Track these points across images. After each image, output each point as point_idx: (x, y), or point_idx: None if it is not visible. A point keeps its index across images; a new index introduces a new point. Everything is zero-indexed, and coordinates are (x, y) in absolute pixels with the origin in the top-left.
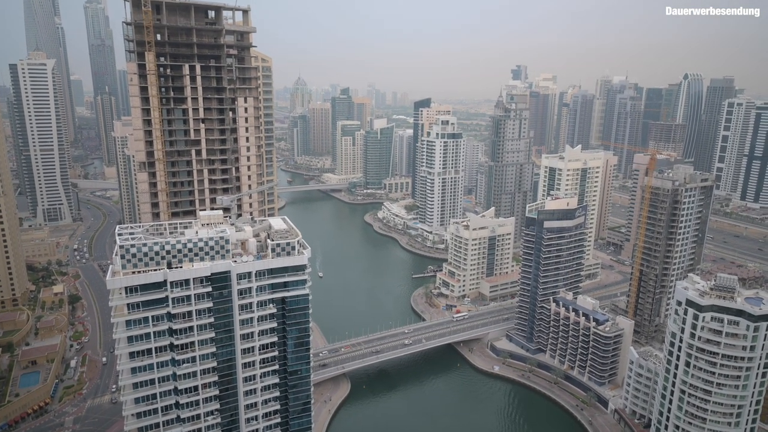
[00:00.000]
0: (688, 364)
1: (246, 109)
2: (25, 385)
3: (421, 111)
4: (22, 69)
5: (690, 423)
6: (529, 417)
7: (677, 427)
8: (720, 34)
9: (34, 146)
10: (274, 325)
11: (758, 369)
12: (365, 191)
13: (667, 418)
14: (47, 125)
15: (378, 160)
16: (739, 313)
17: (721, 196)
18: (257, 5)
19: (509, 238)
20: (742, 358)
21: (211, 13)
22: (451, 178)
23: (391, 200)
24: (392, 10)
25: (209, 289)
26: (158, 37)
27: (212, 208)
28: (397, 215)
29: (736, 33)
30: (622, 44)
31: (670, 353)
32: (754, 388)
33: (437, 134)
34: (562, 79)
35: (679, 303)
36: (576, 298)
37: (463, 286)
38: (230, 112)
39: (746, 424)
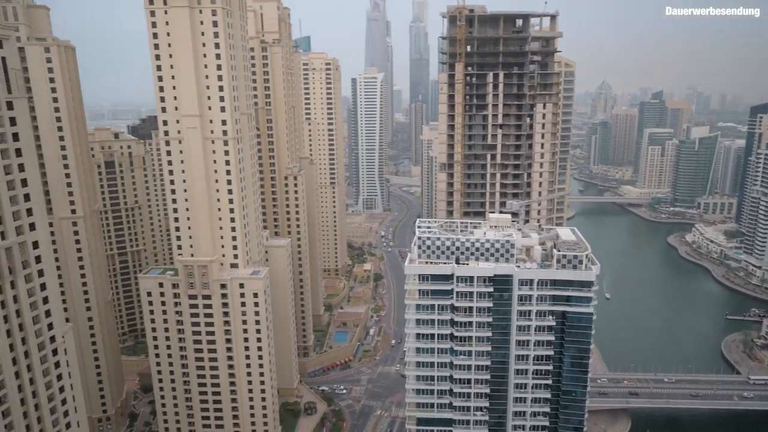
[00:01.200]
0: None
1: (544, 115)
2: (337, 341)
3: (760, 117)
4: (359, 82)
5: None
6: None
7: None
8: None
9: (362, 146)
10: (552, 338)
11: None
12: (671, 209)
13: None
14: (372, 129)
15: (692, 174)
16: None
17: None
18: (565, 9)
19: None
20: None
21: (519, 22)
22: None
23: (706, 222)
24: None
25: (491, 289)
26: (468, 48)
27: (501, 212)
28: (712, 241)
29: None
30: None
31: None
32: None
33: None
34: None
35: None
36: None
37: None
38: (528, 118)
39: None
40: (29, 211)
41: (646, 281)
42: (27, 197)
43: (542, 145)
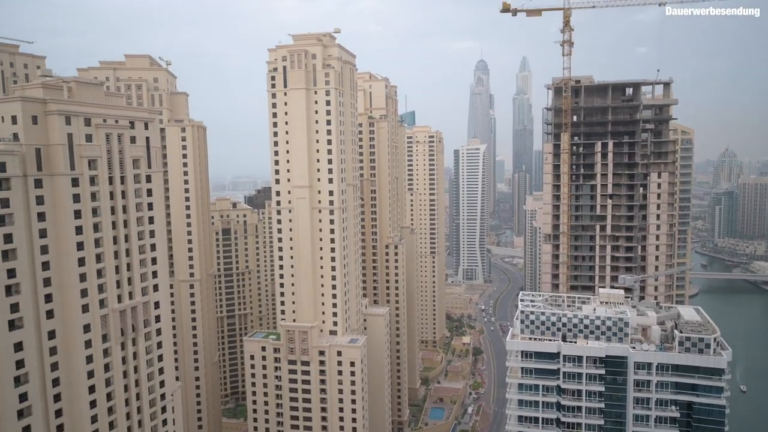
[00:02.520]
0: None
1: (659, 185)
2: (433, 418)
3: None
4: (462, 153)
5: None
6: None
7: None
8: None
9: (463, 216)
10: (676, 431)
11: None
12: None
13: None
14: (474, 199)
15: None
16: None
17: None
18: (680, 74)
19: None
20: None
21: (629, 91)
22: None
23: None
24: None
25: (602, 371)
26: (574, 118)
27: (613, 287)
28: None
29: None
30: None
31: None
32: None
33: None
34: None
35: None
36: None
37: None
38: (641, 188)
39: None
40: (154, 274)
41: None
42: (154, 261)
43: (658, 216)
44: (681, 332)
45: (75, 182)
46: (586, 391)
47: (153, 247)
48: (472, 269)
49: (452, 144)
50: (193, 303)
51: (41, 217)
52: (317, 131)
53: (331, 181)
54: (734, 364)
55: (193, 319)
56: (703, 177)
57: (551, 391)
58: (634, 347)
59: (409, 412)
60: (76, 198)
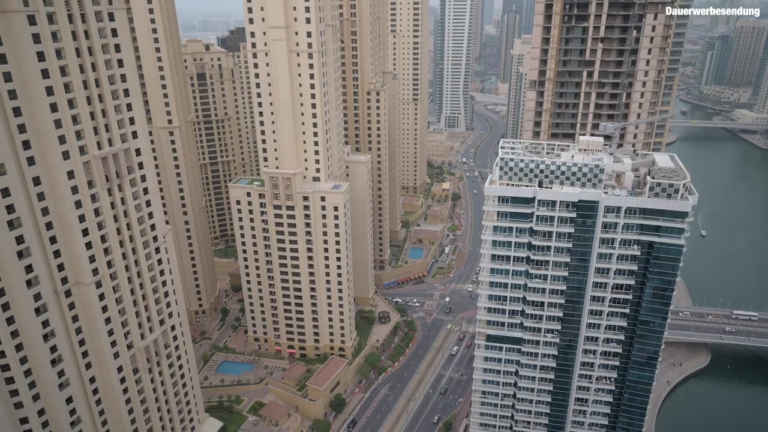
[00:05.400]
0: None
1: (654, 28)
2: (412, 257)
3: None
4: None
5: None
6: None
7: None
8: None
9: (447, 61)
10: (635, 268)
11: None
12: None
13: None
14: (459, 42)
15: None
16: None
17: None
18: None
19: None
20: None
21: None
22: None
23: None
24: None
25: (573, 215)
26: None
27: (593, 134)
28: None
29: None
30: None
31: None
32: None
33: None
34: None
35: None
36: None
37: None
38: (634, 31)
39: None
40: (131, 120)
41: (749, 217)
42: (129, 107)
43: (647, 62)
44: (653, 178)
45: (32, 20)
46: (556, 232)
47: (126, 92)
48: (455, 117)
49: None
50: (174, 150)
51: (2, 59)
52: None
53: (308, 20)
54: (698, 209)
55: (177, 166)
56: (700, 20)
57: (524, 232)
58: (606, 192)
59: (390, 252)
60: (36, 38)
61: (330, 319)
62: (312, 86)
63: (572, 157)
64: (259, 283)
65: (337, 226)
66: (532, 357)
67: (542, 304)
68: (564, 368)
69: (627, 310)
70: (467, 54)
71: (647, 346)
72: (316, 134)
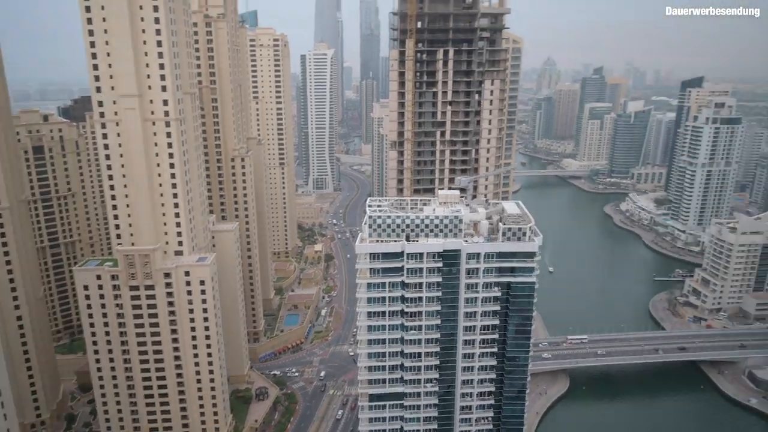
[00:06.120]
0: None
1: (492, 92)
2: (288, 324)
3: (689, 92)
4: (309, 59)
5: None
6: None
7: None
8: None
9: (312, 125)
10: (497, 308)
11: None
12: (609, 180)
13: None
14: (322, 107)
15: (628, 146)
16: None
17: None
18: None
19: None
20: None
21: None
22: (720, 170)
23: (639, 192)
24: None
25: (440, 264)
26: (419, 24)
27: (450, 188)
28: (643, 209)
29: None
30: None
31: None
32: None
33: (707, 118)
34: None
35: None
36: None
37: (720, 297)
38: (476, 95)
39: None
40: None
41: (584, 250)
42: None
43: (490, 121)
44: (504, 224)
45: None
46: (426, 283)
47: None
48: (322, 178)
49: (298, 49)
50: (3, 235)
51: None
52: (144, 30)
53: (164, 88)
54: (545, 247)
55: (6, 253)
56: (528, 84)
57: (396, 286)
58: (466, 240)
59: (265, 321)
60: None
61: (201, 406)
62: (171, 155)
63: (434, 210)
64: (115, 377)
65: (204, 302)
66: (415, 410)
67: (420, 354)
68: (445, 415)
69: (495, 349)
70: (330, 117)
71: (516, 380)
72: (176, 205)
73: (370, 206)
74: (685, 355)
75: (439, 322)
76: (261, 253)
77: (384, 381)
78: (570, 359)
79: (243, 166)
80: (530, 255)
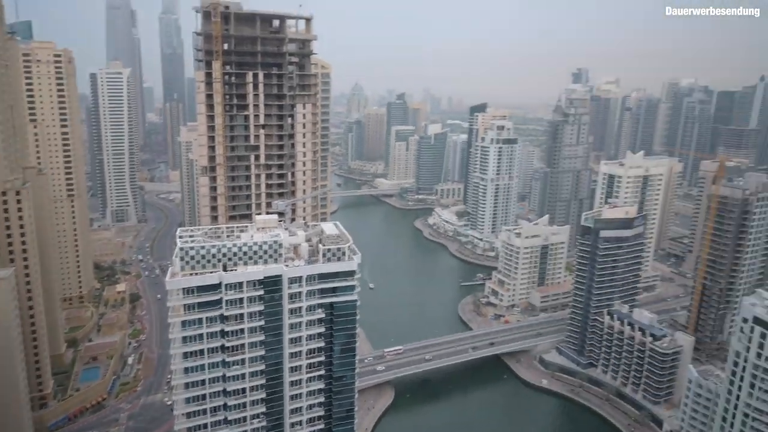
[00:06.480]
0: (752, 386)
1: (304, 116)
2: (85, 380)
3: (477, 116)
4: (101, 78)
5: None
6: None
7: None
8: None
9: (107, 150)
10: (322, 330)
11: None
12: (416, 197)
13: None
14: (119, 131)
15: (431, 165)
16: None
17: None
18: (321, 12)
19: (563, 247)
20: None
21: (276, 22)
22: (505, 184)
23: (443, 206)
24: (452, 14)
25: (261, 292)
26: (225, 46)
27: (268, 213)
28: (447, 221)
29: None
30: (693, 46)
31: (734, 374)
32: None
33: (492, 139)
34: (625, 82)
35: (745, 320)
36: (632, 311)
37: (513, 295)
38: (289, 119)
39: None
40: None
41: (399, 263)
42: None
43: (304, 144)
44: (324, 245)
45: None
46: (247, 313)
47: None
48: (123, 210)
49: (88, 67)
50: None
51: None
52: None
53: None
54: (364, 265)
55: None
56: (339, 108)
57: (215, 321)
58: (287, 265)
59: (55, 381)
60: None
61: None
62: None
63: (252, 236)
64: None
65: None
66: None
67: (244, 390)
68: None
69: (322, 372)
70: (130, 142)
71: (344, 400)
72: None
73: (181, 237)
74: (488, 351)
75: (263, 352)
76: (47, 302)
77: (206, 426)
78: (392, 370)
79: (18, 201)
80: (350, 273)
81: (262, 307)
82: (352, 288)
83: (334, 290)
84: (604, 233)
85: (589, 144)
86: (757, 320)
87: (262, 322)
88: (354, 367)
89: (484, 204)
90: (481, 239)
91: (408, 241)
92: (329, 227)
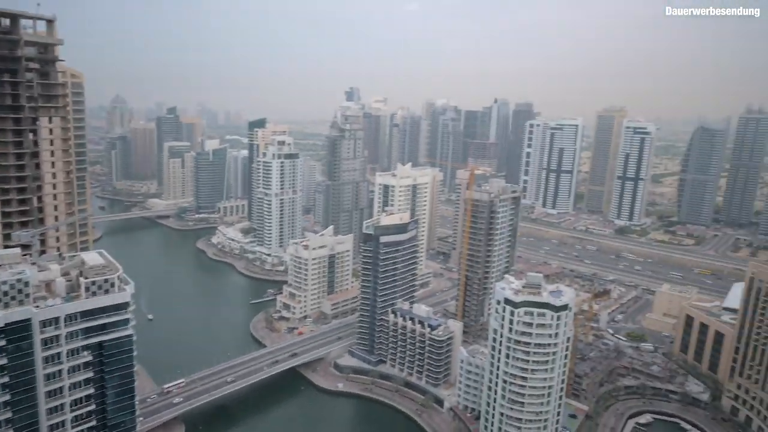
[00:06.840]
0: (508, 356)
1: (51, 131)
2: None
3: (256, 131)
4: None
5: (512, 408)
6: (372, 428)
7: (502, 414)
8: (524, 65)
9: None
10: (90, 375)
11: (561, 353)
12: (197, 216)
13: (494, 407)
14: None
15: (211, 182)
16: (545, 305)
17: (527, 204)
18: (67, 17)
19: (348, 255)
20: (549, 345)
21: (5, 21)
22: (289, 198)
23: (227, 224)
24: (221, 24)
25: (3, 343)
26: None
27: (6, 246)
28: (233, 239)
29: (541, 65)
30: (448, 70)
31: (493, 348)
32: (559, 369)
33: (273, 154)
34: (392, 100)
35: (498, 302)
36: (412, 307)
37: (305, 306)
38: (30, 134)
39: (555, 402)
40: None
41: (182, 288)
42: None
43: (53, 163)
44: (86, 278)
45: None
46: None
47: None
48: None
49: None
50: None
51: None
52: None
53: None
54: (140, 295)
55: None
56: (97, 122)
57: None
58: (38, 306)
59: None
60: None
61: None
62: None
63: None
64: None
65: None
66: None
67: None
68: None
69: (94, 422)
70: None
71: None
72: None
73: None
74: (282, 366)
75: (10, 415)
76: None
77: None
78: (180, 405)
79: None
80: (122, 306)
81: (5, 362)
82: (125, 322)
83: (102, 327)
84: (383, 239)
85: (365, 157)
86: (507, 301)
87: (6, 379)
88: (134, 410)
89: (270, 219)
90: (269, 255)
91: (191, 264)
92: (92, 257)
